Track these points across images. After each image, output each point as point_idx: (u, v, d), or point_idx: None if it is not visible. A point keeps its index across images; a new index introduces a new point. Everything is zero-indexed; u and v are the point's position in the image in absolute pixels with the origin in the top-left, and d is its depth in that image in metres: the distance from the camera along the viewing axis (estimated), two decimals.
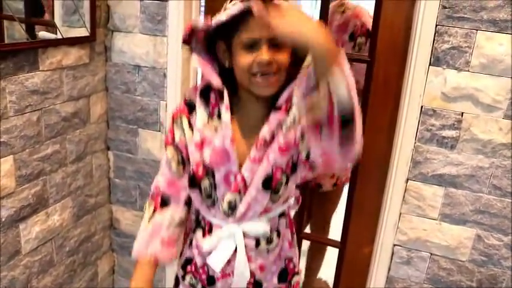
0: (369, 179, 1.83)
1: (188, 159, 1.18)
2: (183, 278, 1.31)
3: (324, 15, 1.64)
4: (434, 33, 1.51)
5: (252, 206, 1.14)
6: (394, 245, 1.76)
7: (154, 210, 1.25)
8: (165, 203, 1.24)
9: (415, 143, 1.62)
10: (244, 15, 1.01)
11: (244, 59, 1.04)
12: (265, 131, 1.09)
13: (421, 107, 1.59)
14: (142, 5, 1.87)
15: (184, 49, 1.11)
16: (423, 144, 1.62)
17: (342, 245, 1.85)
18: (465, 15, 1.47)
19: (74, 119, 1.88)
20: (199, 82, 1.17)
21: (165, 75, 1.91)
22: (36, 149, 1.71)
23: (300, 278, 1.38)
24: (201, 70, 1.14)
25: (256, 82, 1.05)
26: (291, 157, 1.13)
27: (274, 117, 1.09)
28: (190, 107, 1.17)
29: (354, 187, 1.78)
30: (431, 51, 1.53)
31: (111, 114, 2.08)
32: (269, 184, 1.12)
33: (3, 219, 1.61)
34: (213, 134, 1.12)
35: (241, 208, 1.14)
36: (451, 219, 1.66)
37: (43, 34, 1.72)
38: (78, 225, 2.03)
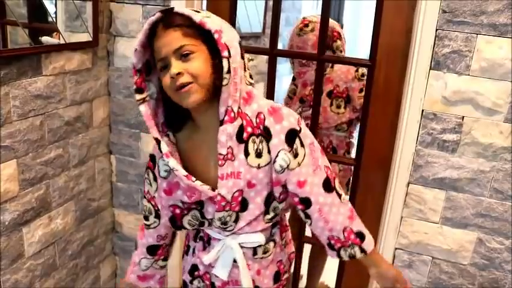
0: (370, 183, 1.83)
1: (159, 209, 1.23)
2: (191, 282, 1.35)
3: (325, 15, 1.65)
4: (435, 38, 1.52)
5: (251, 221, 1.17)
6: (396, 249, 1.76)
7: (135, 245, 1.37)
8: (136, 246, 1.36)
9: (416, 146, 1.63)
10: (151, 41, 1.04)
11: (164, 80, 1.04)
12: (219, 149, 1.08)
13: (422, 110, 1.59)
14: (145, 10, 1.88)
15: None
16: (424, 148, 1.62)
17: None
18: (465, 20, 1.48)
19: (76, 123, 1.90)
20: None
21: None
22: (40, 153, 1.72)
23: (290, 274, 1.42)
24: (146, 121, 1.12)
25: (180, 94, 1.03)
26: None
27: (222, 132, 1.06)
28: (153, 160, 1.19)
29: (355, 191, 1.78)
30: (432, 55, 1.54)
31: (113, 118, 2.09)
32: (270, 202, 1.16)
33: (6, 223, 1.62)
34: (175, 177, 1.14)
35: (241, 224, 1.16)
36: (453, 223, 1.66)
37: (46, 39, 1.74)
38: (80, 229, 2.03)
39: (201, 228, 1.23)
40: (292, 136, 1.10)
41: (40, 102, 1.69)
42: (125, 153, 2.12)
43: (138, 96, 1.10)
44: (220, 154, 1.08)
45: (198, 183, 1.10)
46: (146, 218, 1.27)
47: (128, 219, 2.21)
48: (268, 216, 1.18)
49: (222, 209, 1.13)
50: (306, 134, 1.14)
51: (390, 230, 1.74)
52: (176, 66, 1.01)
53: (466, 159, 1.59)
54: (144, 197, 1.27)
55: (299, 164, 1.11)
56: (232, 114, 1.06)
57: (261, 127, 1.09)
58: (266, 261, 1.27)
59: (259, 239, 1.21)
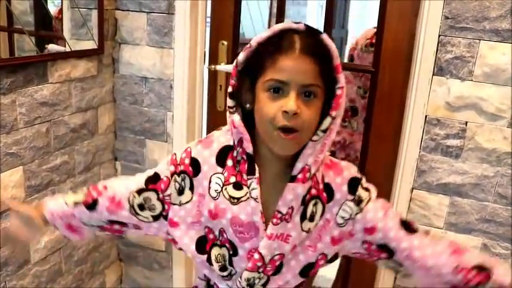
0: None
1: (165, 217, 1.02)
2: None
3: (329, 23, 1.66)
4: (438, 44, 1.53)
5: (280, 286, 1.01)
6: None
7: (85, 202, 1.07)
8: (93, 207, 1.06)
9: (419, 152, 1.63)
10: (274, 51, 0.86)
11: (267, 106, 0.86)
12: (280, 206, 0.94)
13: (425, 116, 1.60)
14: (149, 18, 1.90)
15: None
16: (428, 154, 1.63)
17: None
18: (468, 26, 1.48)
19: (82, 130, 1.91)
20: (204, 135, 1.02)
21: (171, 87, 1.94)
22: (45, 160, 1.74)
23: None
24: (238, 132, 0.94)
25: (279, 136, 0.86)
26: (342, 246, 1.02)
27: (290, 191, 0.93)
28: (195, 166, 0.97)
29: None
30: (435, 61, 1.54)
31: (118, 125, 2.11)
32: (307, 272, 1.02)
33: None
34: (229, 205, 0.95)
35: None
36: (457, 228, 1.66)
37: (52, 47, 1.76)
38: None
39: (223, 275, 1.01)
40: (354, 184, 0.99)
41: (46, 109, 1.70)
42: (130, 159, 2.13)
43: (231, 103, 0.92)
44: (279, 212, 0.93)
45: (263, 226, 0.94)
46: (141, 207, 1.01)
47: None
48: (300, 280, 1.04)
49: (255, 269, 0.97)
50: (368, 184, 1.03)
51: None
52: (295, 102, 0.84)
53: (469, 165, 1.59)
54: (155, 191, 1.00)
55: (361, 210, 0.99)
56: (308, 175, 0.93)
57: (321, 186, 0.97)
58: None
59: None
